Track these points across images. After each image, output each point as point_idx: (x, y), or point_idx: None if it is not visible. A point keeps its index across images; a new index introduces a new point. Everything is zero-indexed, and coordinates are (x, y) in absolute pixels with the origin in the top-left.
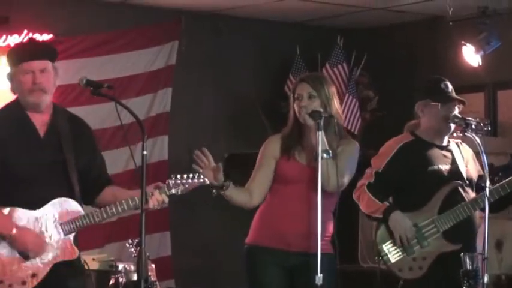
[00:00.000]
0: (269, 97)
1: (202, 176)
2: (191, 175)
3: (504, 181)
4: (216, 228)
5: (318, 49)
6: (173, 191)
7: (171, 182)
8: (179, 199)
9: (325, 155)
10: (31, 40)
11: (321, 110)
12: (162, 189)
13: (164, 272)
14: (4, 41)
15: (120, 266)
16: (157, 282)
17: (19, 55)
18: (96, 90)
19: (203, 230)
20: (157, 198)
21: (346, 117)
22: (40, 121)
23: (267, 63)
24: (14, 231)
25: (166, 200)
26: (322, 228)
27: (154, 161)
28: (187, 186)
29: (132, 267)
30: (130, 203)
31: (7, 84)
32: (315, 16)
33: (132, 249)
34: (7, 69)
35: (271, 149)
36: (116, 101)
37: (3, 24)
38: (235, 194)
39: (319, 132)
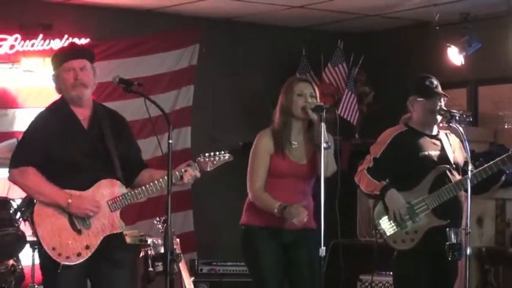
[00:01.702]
0: (278, 93)
1: (226, 154)
2: (217, 152)
3: (486, 165)
4: (233, 207)
5: (321, 51)
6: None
7: (201, 159)
8: (200, 183)
9: (325, 145)
10: (71, 44)
11: (322, 104)
12: (193, 165)
13: (188, 245)
14: (48, 44)
15: (149, 240)
16: (181, 254)
17: (61, 57)
18: (128, 87)
19: (222, 209)
20: (190, 173)
21: (345, 110)
22: (83, 115)
23: (276, 63)
24: (70, 200)
25: (199, 175)
26: (308, 209)
27: (178, 149)
28: (215, 162)
29: (160, 241)
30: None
31: (51, 83)
32: (318, 22)
33: (160, 226)
34: (51, 71)
35: (265, 145)
36: (145, 96)
37: (47, 30)
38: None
39: (322, 124)
